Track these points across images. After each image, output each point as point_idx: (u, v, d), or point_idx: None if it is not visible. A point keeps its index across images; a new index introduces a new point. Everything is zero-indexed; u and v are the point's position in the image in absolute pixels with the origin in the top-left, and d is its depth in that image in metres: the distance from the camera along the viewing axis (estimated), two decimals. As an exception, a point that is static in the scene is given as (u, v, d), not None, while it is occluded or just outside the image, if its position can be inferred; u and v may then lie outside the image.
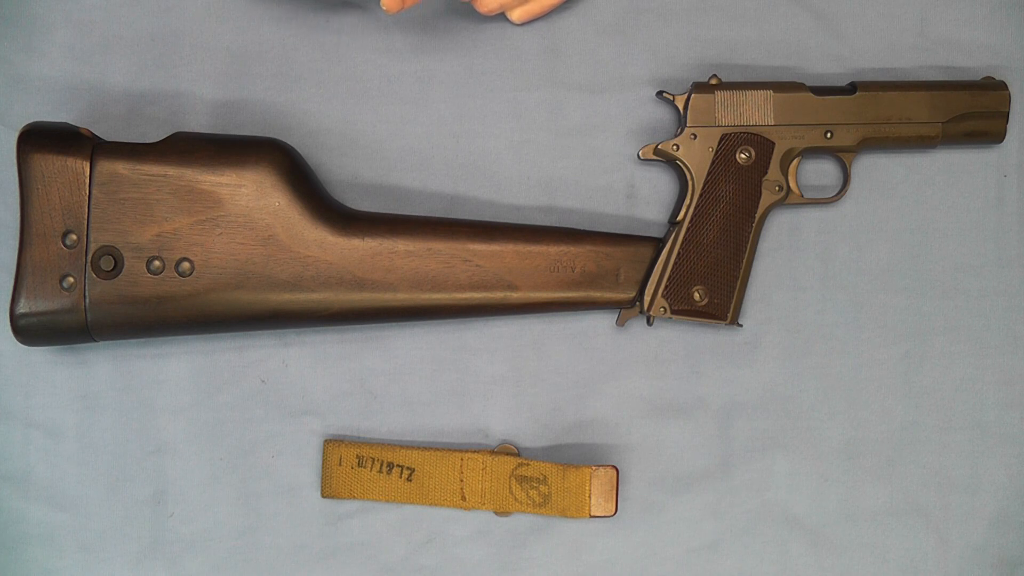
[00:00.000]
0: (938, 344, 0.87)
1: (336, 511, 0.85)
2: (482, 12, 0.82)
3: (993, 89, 0.85)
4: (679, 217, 0.83)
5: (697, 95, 0.83)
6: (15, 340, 0.78)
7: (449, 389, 0.86)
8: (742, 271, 0.83)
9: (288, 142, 0.83)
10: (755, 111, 0.83)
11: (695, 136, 0.83)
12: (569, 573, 0.86)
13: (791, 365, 0.87)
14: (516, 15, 0.84)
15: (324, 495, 0.84)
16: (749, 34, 0.88)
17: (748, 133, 0.83)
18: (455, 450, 0.84)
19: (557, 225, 0.85)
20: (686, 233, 0.83)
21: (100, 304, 0.77)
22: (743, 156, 0.83)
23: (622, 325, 0.85)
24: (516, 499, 0.83)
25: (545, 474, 0.83)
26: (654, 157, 0.84)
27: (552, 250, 0.82)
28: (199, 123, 0.85)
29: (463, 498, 0.83)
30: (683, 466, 0.86)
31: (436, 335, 0.86)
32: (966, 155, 0.88)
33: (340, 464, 0.84)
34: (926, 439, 0.87)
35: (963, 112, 0.84)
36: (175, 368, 0.85)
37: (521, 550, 0.86)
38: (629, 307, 0.84)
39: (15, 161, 0.77)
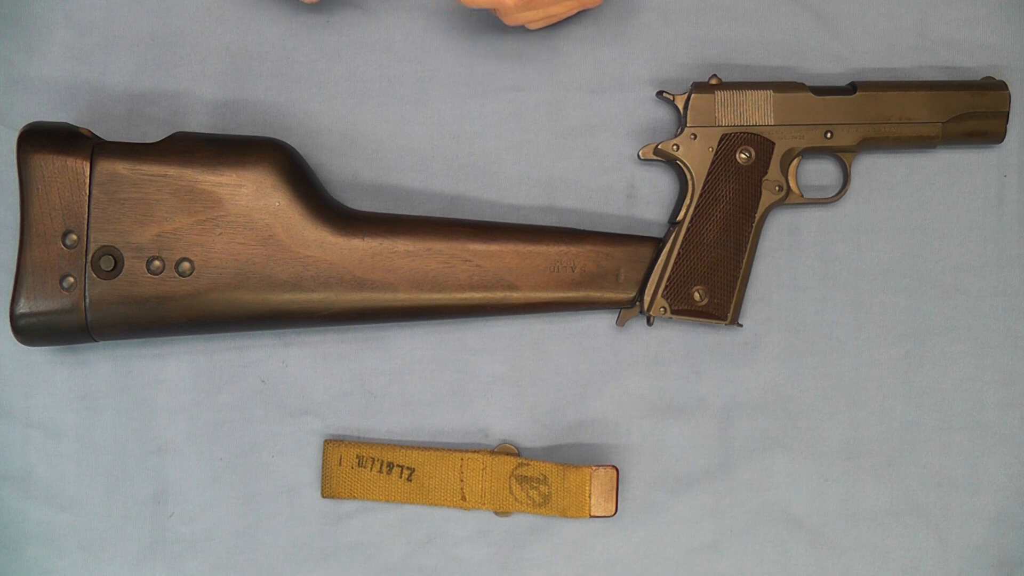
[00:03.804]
0: (938, 344, 0.87)
1: (336, 511, 0.85)
2: (507, 23, 0.81)
3: (993, 89, 0.85)
4: (679, 217, 0.83)
5: (697, 95, 0.83)
6: (15, 340, 0.78)
7: (449, 389, 0.86)
8: (742, 271, 0.83)
9: (288, 142, 0.83)
10: (755, 111, 0.83)
11: (695, 136, 0.83)
12: (569, 573, 0.86)
13: (791, 365, 0.87)
14: (535, 25, 0.83)
15: (324, 495, 0.84)
16: (749, 34, 0.88)
17: (748, 133, 0.83)
18: (455, 450, 0.84)
19: (557, 225, 0.85)
20: (686, 233, 0.83)
21: (100, 304, 0.77)
22: (743, 156, 0.83)
23: (622, 325, 0.85)
24: (516, 499, 0.83)
25: (545, 474, 0.83)
26: (654, 157, 0.84)
27: (552, 250, 0.82)
28: (199, 123, 0.85)
29: (463, 498, 0.83)
30: (683, 466, 0.86)
31: (436, 335, 0.86)
32: (966, 155, 0.88)
33: (340, 464, 0.84)
34: (926, 439, 0.87)
35: (963, 112, 0.84)
36: (175, 368, 0.85)
37: (521, 550, 0.86)
38: (629, 307, 0.84)
39: (15, 161, 0.77)
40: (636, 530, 0.86)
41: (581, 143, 0.87)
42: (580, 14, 0.86)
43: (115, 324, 0.78)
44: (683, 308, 0.83)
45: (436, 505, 0.84)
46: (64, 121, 0.81)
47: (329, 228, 0.80)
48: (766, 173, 0.84)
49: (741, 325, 0.86)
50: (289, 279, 0.79)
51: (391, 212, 0.85)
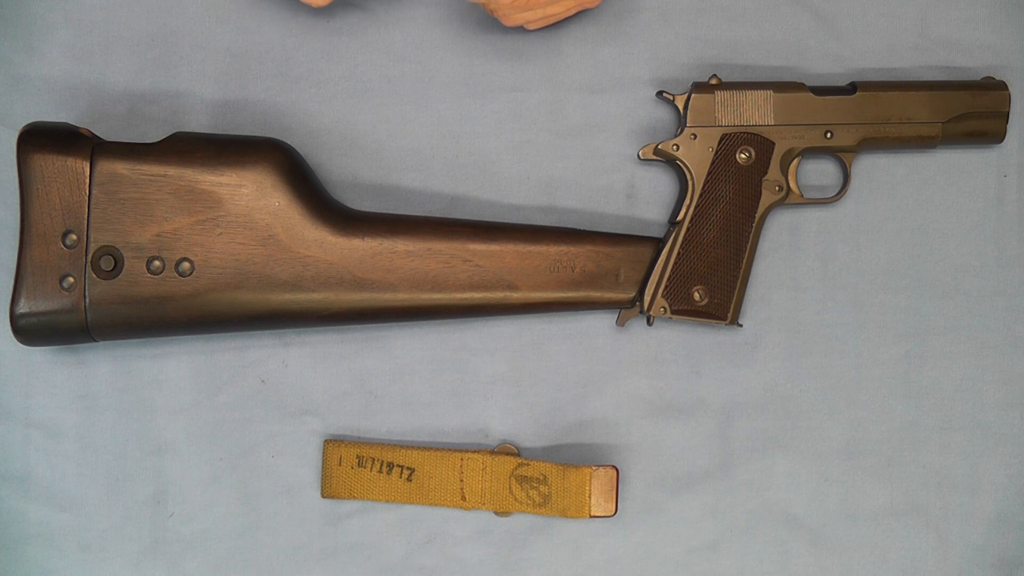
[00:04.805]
0: (938, 344, 0.87)
1: (336, 511, 0.85)
2: (505, 24, 0.82)
3: (993, 89, 0.85)
4: (679, 217, 0.83)
5: (697, 95, 0.83)
6: (15, 340, 0.78)
7: (449, 389, 0.86)
8: (742, 271, 0.83)
9: (288, 142, 0.83)
10: (755, 111, 0.83)
11: (695, 136, 0.83)
12: (569, 573, 0.86)
13: (791, 365, 0.87)
14: (533, 25, 0.83)
15: (324, 495, 0.84)
16: (749, 34, 0.88)
17: (748, 133, 0.83)
18: (455, 450, 0.84)
19: (557, 225, 0.85)
20: (686, 233, 0.83)
21: (100, 304, 0.77)
22: (743, 156, 0.83)
23: (622, 325, 0.85)
24: (516, 499, 0.83)
25: (545, 474, 0.83)
26: (654, 157, 0.84)
27: (552, 250, 0.82)
28: (199, 123, 0.85)
29: (463, 498, 0.83)
30: (683, 466, 0.86)
31: (436, 335, 0.86)
32: (966, 155, 0.88)
33: (340, 464, 0.84)
34: (926, 439, 0.87)
35: (963, 112, 0.84)
36: (175, 368, 0.85)
37: (521, 550, 0.86)
38: (629, 307, 0.84)
39: (15, 161, 0.77)
40: (636, 530, 0.86)
41: (581, 143, 0.87)
42: (580, 14, 0.86)
43: (115, 324, 0.78)
44: (683, 308, 0.83)
45: (436, 505, 0.84)
46: (64, 121, 0.81)
47: (329, 228, 0.80)
48: (766, 173, 0.84)
49: (741, 325, 0.86)
50: (289, 279, 0.79)
51: (391, 212, 0.85)
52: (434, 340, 0.86)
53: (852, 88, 0.85)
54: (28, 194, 0.77)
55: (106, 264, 0.77)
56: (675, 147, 0.84)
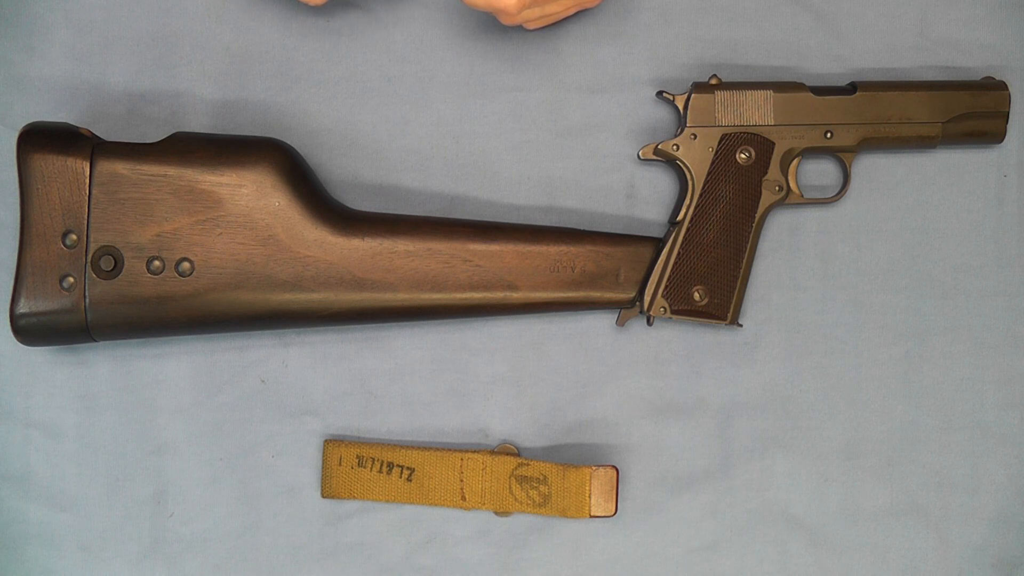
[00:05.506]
0: (938, 344, 0.87)
1: (336, 511, 0.85)
2: (504, 23, 0.82)
3: (993, 89, 0.85)
4: (679, 217, 0.83)
5: (697, 95, 0.83)
6: (15, 340, 0.78)
7: (449, 389, 0.86)
8: (742, 271, 0.83)
9: (288, 142, 0.83)
10: (755, 111, 0.83)
11: (695, 136, 0.83)
12: (569, 573, 0.86)
13: (791, 365, 0.87)
14: (532, 24, 0.83)
15: (324, 495, 0.84)
16: (749, 34, 0.88)
17: (748, 133, 0.83)
18: (455, 450, 0.84)
19: (557, 225, 0.85)
20: (686, 233, 0.83)
21: (100, 304, 0.77)
22: (743, 156, 0.83)
23: (622, 325, 0.85)
24: (516, 499, 0.83)
25: (545, 474, 0.83)
26: (654, 157, 0.84)
27: (552, 250, 0.82)
28: (199, 123, 0.85)
29: (463, 498, 0.83)
30: (683, 466, 0.86)
31: (436, 335, 0.86)
32: (966, 155, 0.88)
33: (340, 464, 0.84)
34: (926, 439, 0.87)
35: (963, 112, 0.84)
36: (175, 368, 0.85)
37: (521, 550, 0.86)
38: (629, 307, 0.84)
39: (15, 161, 0.77)
40: (636, 530, 0.86)
41: (581, 143, 0.87)
42: (580, 14, 0.86)
43: (115, 324, 0.78)
44: (683, 308, 0.83)
45: (436, 505, 0.84)
46: (64, 121, 0.81)
47: (329, 228, 0.80)
48: (766, 173, 0.84)
49: (741, 325, 0.86)
50: (289, 279, 0.79)
51: (391, 212, 0.85)
52: (434, 340, 0.86)
53: (852, 88, 0.85)
54: (28, 194, 0.77)
55: (106, 264, 0.77)
56: (675, 147, 0.84)
